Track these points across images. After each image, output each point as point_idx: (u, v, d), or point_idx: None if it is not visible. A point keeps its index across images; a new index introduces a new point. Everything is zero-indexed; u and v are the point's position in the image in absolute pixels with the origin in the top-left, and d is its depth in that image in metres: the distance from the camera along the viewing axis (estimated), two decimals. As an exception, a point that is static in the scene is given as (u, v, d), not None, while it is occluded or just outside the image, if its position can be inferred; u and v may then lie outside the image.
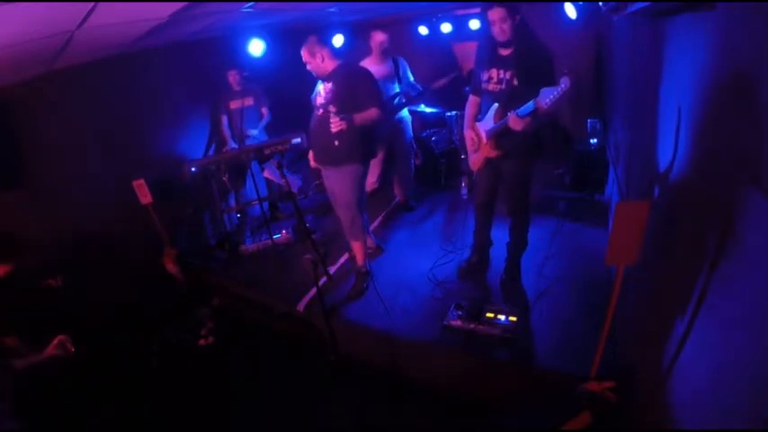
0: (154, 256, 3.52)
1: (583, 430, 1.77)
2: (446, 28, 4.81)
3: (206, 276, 3.68)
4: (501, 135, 2.40)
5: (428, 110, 4.71)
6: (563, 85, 1.95)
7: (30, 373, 1.93)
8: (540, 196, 3.98)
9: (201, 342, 3.12)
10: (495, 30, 2.22)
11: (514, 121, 2.19)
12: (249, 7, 2.33)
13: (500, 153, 2.46)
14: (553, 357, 2.23)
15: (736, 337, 0.87)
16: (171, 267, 3.52)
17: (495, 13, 2.17)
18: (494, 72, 2.37)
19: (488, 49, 2.38)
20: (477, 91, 2.55)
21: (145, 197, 3.33)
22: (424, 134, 4.68)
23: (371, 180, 4.27)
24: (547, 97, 2.00)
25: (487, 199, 2.78)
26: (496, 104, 2.38)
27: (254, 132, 4.12)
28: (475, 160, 2.65)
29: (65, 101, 3.04)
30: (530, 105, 2.10)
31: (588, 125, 4.19)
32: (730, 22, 0.95)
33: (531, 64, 2.25)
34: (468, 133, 2.62)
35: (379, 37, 3.69)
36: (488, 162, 2.58)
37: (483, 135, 2.50)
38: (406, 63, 3.98)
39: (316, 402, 2.57)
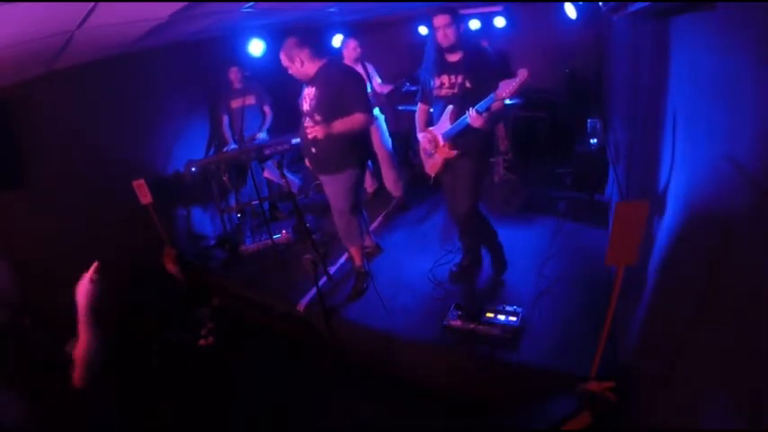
0: (154, 256, 3.52)
1: (583, 430, 1.77)
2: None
3: (206, 276, 3.68)
4: (458, 135, 2.43)
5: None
6: (520, 77, 2.09)
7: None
8: (540, 196, 3.99)
9: (201, 342, 3.12)
10: (440, 35, 2.33)
11: (474, 118, 2.25)
12: (249, 7, 2.34)
13: (458, 152, 2.50)
14: (553, 357, 2.23)
15: (736, 336, 0.87)
16: (171, 267, 3.52)
17: (440, 20, 2.30)
18: (445, 78, 2.44)
19: (435, 58, 2.45)
20: (427, 98, 2.60)
21: (145, 197, 3.33)
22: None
23: (368, 181, 4.28)
24: (506, 89, 2.13)
25: None
26: (451, 106, 2.43)
27: (262, 135, 4.13)
28: (432, 165, 2.66)
29: (65, 101, 3.04)
30: (490, 99, 2.20)
31: (588, 125, 4.20)
32: (731, 22, 0.95)
33: (481, 66, 2.36)
34: (422, 139, 2.64)
35: (352, 44, 3.81)
36: (447, 164, 2.60)
37: (439, 138, 2.54)
38: (372, 67, 4.08)
39: (315, 402, 2.57)
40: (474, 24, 4.61)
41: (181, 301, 3.47)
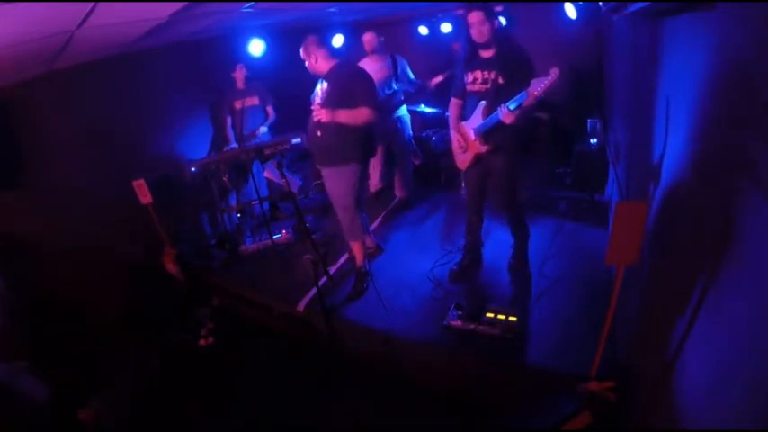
0: (154, 256, 3.52)
1: (583, 430, 1.77)
2: (446, 28, 4.82)
3: (206, 276, 3.68)
4: (490, 131, 2.45)
5: (428, 110, 4.71)
6: (552, 75, 2.12)
7: None
8: (540, 196, 3.99)
9: (201, 342, 3.12)
10: (474, 32, 2.35)
11: (506, 114, 2.27)
12: (249, 7, 2.34)
13: (490, 148, 2.51)
14: (553, 357, 2.23)
15: (736, 336, 0.87)
16: (171, 267, 3.52)
17: (475, 16, 2.32)
18: (478, 73, 2.46)
19: (469, 53, 2.47)
20: (460, 93, 2.63)
21: (145, 197, 3.33)
22: (425, 134, 4.68)
23: (374, 180, 4.28)
24: (538, 87, 2.15)
25: (479, 198, 2.82)
26: (483, 102, 2.44)
27: (264, 130, 4.13)
28: (463, 160, 2.71)
29: (65, 101, 3.04)
30: (522, 96, 2.20)
31: (588, 125, 4.19)
32: (730, 22, 0.95)
33: (513, 63, 2.38)
34: (454, 134, 2.68)
35: (367, 36, 3.82)
36: (478, 160, 2.62)
37: (471, 133, 2.55)
38: (405, 61, 4.03)
39: (315, 402, 2.57)
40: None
41: (181, 301, 3.47)
